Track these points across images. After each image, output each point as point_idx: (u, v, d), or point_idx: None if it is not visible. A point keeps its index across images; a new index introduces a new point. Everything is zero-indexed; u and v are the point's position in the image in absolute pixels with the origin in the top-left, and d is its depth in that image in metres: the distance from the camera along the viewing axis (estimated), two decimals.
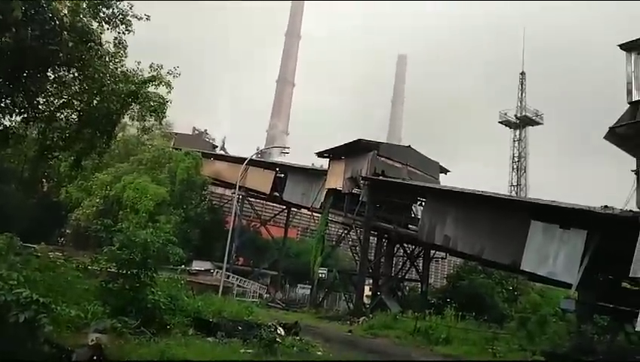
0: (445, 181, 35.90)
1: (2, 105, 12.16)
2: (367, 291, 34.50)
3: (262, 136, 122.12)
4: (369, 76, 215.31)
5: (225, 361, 9.11)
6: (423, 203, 31.32)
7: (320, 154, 35.47)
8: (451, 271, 42.53)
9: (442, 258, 39.40)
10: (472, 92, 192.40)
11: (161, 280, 13.40)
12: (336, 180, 34.16)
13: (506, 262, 23.41)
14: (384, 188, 31.93)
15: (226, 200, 47.63)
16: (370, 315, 27.70)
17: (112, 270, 12.20)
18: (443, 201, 27.70)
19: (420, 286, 35.17)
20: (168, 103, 16.84)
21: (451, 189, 27.55)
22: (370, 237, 34.15)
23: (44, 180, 23.48)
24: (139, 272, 11.70)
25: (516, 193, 44.92)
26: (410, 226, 32.02)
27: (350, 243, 37.06)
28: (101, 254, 13.05)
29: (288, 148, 36.82)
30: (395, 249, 35.38)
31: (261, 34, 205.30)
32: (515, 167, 47.14)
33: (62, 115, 15.85)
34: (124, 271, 11.73)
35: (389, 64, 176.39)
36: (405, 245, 35.18)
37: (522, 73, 49.23)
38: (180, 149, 40.61)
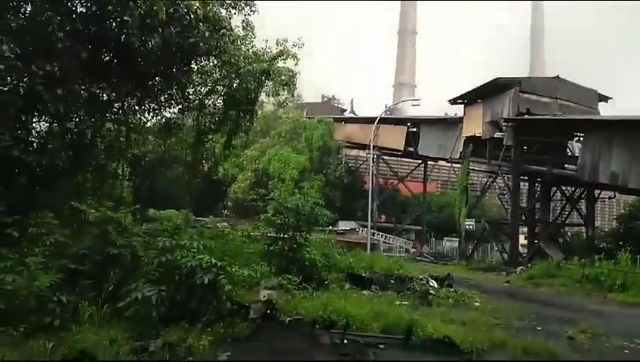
0: (605, 111, 31.26)
1: (162, 99, 13.86)
2: (521, 240, 32.38)
3: (389, 92, 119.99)
4: (500, 16, 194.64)
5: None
6: (581, 138, 27.79)
7: (454, 101, 33.59)
8: (622, 211, 37.37)
9: (610, 198, 34.96)
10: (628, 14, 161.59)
11: (314, 240, 14.29)
12: (474, 126, 32.12)
13: None
14: (531, 127, 29.07)
15: (361, 162, 48.38)
16: (529, 265, 26.00)
17: (271, 234, 13.39)
18: (606, 134, 24.22)
19: (584, 230, 31.76)
20: (297, 75, 17.54)
21: (616, 118, 23.88)
22: (521, 183, 31.67)
23: (203, 162, 26.63)
24: (294, 235, 12.66)
25: None
26: (566, 166, 28.84)
27: (497, 191, 34.96)
28: (260, 221, 14.40)
29: (418, 99, 35.36)
30: (552, 192, 32.33)
31: None
32: None
33: (209, 102, 17.59)
34: (282, 235, 12.80)
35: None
36: (563, 187, 31.89)
37: None
38: (313, 118, 42.13)
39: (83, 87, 9.42)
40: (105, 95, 10.59)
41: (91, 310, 6.93)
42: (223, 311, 7.77)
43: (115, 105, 11.71)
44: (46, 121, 10.41)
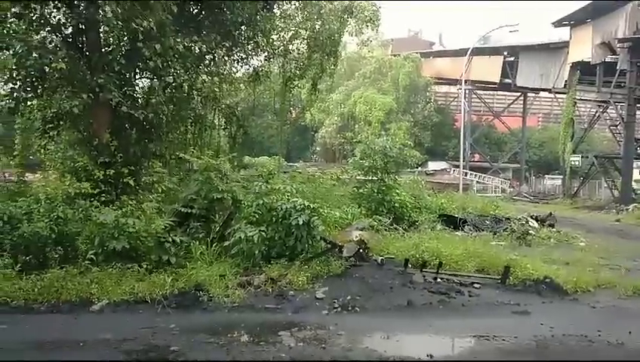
0: None
1: (249, 48, 14.11)
2: (635, 175, 29.29)
3: (481, 22, 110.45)
4: None
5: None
6: None
7: (559, 23, 30.19)
8: None
9: None
10: None
11: (403, 182, 14.16)
12: (581, 50, 28.80)
13: None
14: None
15: (452, 98, 46.01)
16: None
17: (360, 177, 13.51)
18: None
19: None
20: (380, 8, 16.87)
21: None
22: (637, 112, 28.22)
23: (291, 108, 27.20)
24: (382, 176, 12.66)
25: None
26: None
27: (609, 122, 31.57)
28: (348, 165, 14.56)
29: (517, 24, 31.95)
30: None
31: None
32: None
33: (293, 47, 17.57)
34: (370, 177, 12.86)
35: None
36: None
37: None
38: (399, 55, 40.42)
39: (177, 40, 9.85)
40: (197, 48, 11.01)
41: (202, 249, 7.66)
42: (318, 250, 8.15)
43: (207, 57, 12.15)
44: (147, 77, 11.17)
